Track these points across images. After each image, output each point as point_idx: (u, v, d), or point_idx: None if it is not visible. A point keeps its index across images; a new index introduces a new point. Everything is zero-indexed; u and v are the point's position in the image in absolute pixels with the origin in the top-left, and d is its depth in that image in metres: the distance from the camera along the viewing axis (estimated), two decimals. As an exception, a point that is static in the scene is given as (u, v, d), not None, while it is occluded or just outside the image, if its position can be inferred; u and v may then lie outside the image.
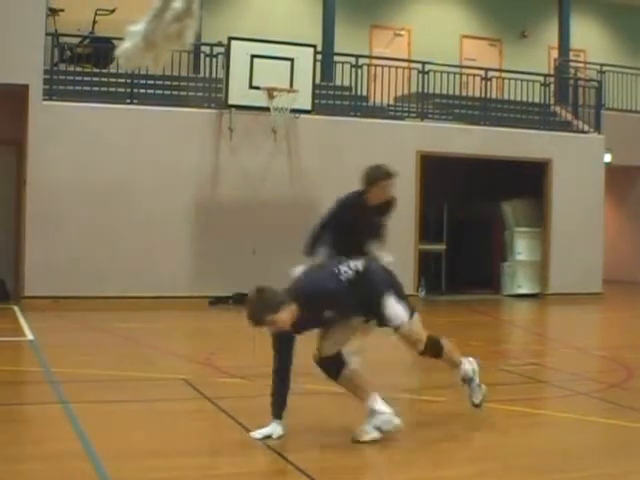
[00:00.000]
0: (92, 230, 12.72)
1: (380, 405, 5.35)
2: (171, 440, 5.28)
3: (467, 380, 5.85)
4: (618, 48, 21.40)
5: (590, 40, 20.99)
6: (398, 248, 14.46)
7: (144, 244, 13.11)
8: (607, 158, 16.69)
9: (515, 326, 13.02)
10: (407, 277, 14.68)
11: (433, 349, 5.69)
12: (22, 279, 12.62)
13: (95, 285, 12.75)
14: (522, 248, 16.09)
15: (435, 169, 14.56)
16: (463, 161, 15.19)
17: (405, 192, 14.59)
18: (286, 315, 5.12)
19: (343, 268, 5.44)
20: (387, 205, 6.71)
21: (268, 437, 5.21)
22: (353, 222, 6.55)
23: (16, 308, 11.97)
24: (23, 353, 7.63)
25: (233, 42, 13.33)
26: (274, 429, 5.26)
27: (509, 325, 13.12)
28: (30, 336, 9.33)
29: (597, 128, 16.57)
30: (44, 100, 12.75)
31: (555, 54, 19.20)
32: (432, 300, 15.04)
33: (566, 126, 16.86)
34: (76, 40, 14.54)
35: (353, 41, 18.11)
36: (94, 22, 15.25)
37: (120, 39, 4.86)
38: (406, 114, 15.57)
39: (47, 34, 13.30)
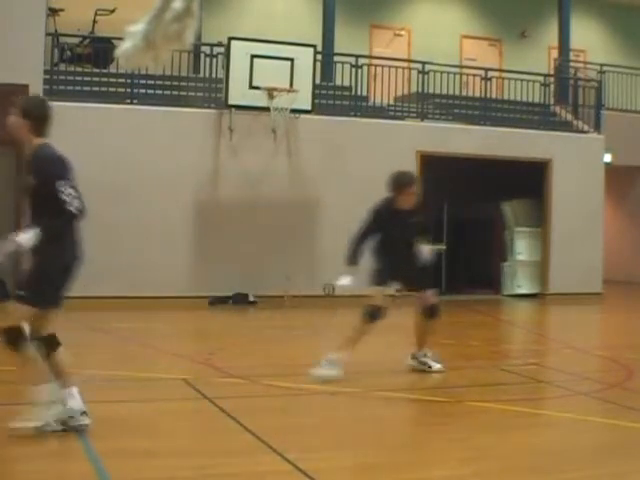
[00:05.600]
0: (92, 230, 12.61)
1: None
2: (171, 440, 5.28)
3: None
4: (618, 48, 21.41)
5: (590, 40, 21.00)
6: (398, 248, 14.59)
7: (144, 244, 13.10)
8: (607, 158, 16.68)
9: (515, 326, 13.01)
10: (407, 277, 14.68)
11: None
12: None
13: (95, 285, 12.70)
14: (522, 248, 16.09)
15: (435, 169, 14.55)
16: (463, 161, 15.18)
17: (405, 192, 14.60)
18: None
19: None
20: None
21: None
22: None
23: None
24: (23, 353, 7.66)
25: (233, 42, 13.34)
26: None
27: (509, 325, 13.11)
28: (30, 336, 9.32)
29: (597, 128, 16.56)
30: (44, 100, 12.73)
31: (555, 54, 19.19)
32: (432, 300, 15.02)
33: (566, 126, 16.86)
34: (76, 40, 14.56)
35: (353, 41, 18.12)
36: (94, 22, 15.28)
37: (120, 39, 4.86)
38: (406, 114, 15.56)
39: (47, 34, 13.29)
